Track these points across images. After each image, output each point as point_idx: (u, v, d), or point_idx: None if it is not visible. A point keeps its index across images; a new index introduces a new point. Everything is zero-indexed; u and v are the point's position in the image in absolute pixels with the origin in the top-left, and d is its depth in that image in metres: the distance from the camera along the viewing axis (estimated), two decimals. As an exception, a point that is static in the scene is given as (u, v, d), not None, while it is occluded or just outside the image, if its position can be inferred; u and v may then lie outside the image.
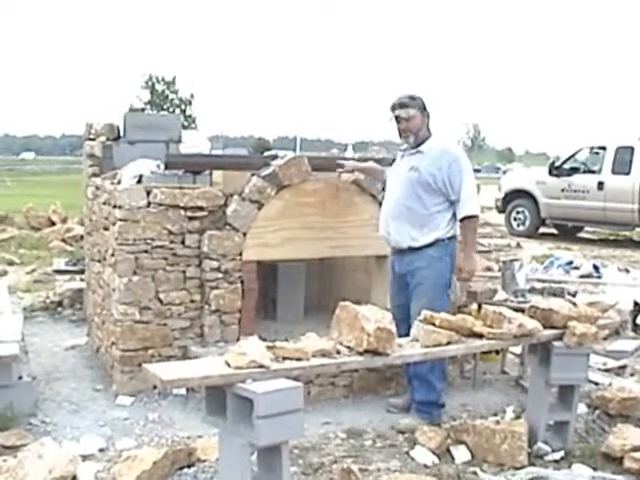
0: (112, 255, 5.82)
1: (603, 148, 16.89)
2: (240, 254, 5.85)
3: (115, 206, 5.73)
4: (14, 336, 5.44)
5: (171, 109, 56.98)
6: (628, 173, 16.10)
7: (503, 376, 6.50)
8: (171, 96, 60.44)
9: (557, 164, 17.65)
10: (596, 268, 11.40)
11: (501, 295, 6.54)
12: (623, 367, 6.65)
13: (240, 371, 3.52)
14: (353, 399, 5.76)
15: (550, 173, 17.51)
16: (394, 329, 4.03)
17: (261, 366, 3.56)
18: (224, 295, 5.81)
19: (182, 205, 5.74)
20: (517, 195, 18.23)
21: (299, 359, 3.76)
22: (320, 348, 3.89)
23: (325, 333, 4.21)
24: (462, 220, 5.24)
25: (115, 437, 4.94)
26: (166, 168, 6.17)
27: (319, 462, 4.54)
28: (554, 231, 18.28)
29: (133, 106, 54.70)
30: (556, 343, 4.68)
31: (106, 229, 6.17)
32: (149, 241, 5.67)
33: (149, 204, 5.67)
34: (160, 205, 5.69)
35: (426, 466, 4.58)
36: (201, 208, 5.81)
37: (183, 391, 5.56)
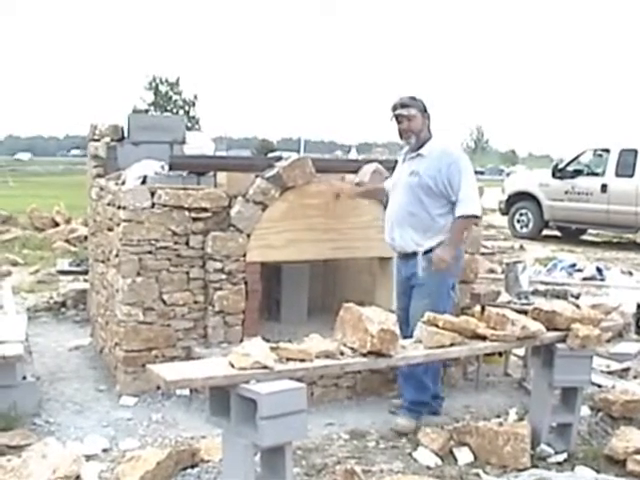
0: (116, 256, 5.83)
1: (607, 150, 16.87)
2: (244, 255, 5.86)
3: (119, 207, 5.74)
4: (18, 336, 5.46)
5: (175, 110, 57.03)
6: (632, 176, 16.08)
7: (506, 378, 6.50)
8: (175, 97, 60.52)
9: (560, 166, 17.64)
10: (599, 270, 11.40)
11: (504, 297, 6.55)
12: (626, 369, 6.65)
13: (244, 372, 3.53)
14: (356, 400, 5.77)
15: (553, 175, 17.50)
16: (397, 331, 4.04)
17: (265, 367, 3.57)
18: (228, 296, 5.82)
19: (186, 206, 5.75)
20: (520, 197, 18.21)
21: (303, 360, 3.77)
22: (324, 349, 3.90)
23: (329, 334, 4.22)
24: (457, 219, 5.17)
25: (119, 437, 4.95)
26: (170, 169, 6.18)
27: (322, 463, 4.55)
28: (557, 233, 18.25)
29: (137, 107, 54.83)
30: (559, 345, 4.69)
31: (110, 230, 6.18)
32: (153, 242, 5.68)
33: (153, 205, 5.68)
34: (164, 206, 5.70)
35: (429, 467, 4.59)
36: (205, 209, 5.81)
37: (186, 392, 5.57)
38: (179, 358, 5.68)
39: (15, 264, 11.60)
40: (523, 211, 18.11)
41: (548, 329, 4.65)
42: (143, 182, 5.99)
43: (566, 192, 17.12)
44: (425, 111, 5.29)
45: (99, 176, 7.36)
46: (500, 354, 6.44)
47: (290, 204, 5.98)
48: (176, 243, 5.76)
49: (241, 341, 5.46)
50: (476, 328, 4.47)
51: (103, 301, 6.55)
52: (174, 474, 4.29)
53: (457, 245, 5.26)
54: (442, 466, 4.62)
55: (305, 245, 6.06)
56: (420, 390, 5.28)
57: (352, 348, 4.02)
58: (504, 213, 18.83)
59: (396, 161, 5.75)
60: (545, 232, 18.07)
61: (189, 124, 47.43)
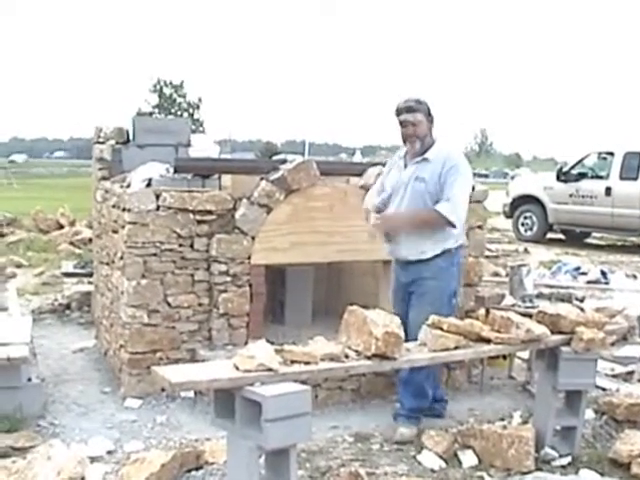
0: (121, 258, 5.84)
1: (611, 154, 16.86)
2: (248, 258, 5.87)
3: (124, 209, 5.75)
4: (23, 338, 5.46)
5: (179, 113, 57.12)
6: (636, 179, 16.06)
7: (510, 381, 6.50)
8: (179, 100, 60.62)
9: (565, 169, 17.63)
10: (604, 274, 11.38)
11: (509, 300, 6.55)
12: (631, 373, 6.64)
13: (249, 374, 3.53)
14: (361, 403, 5.77)
15: (558, 178, 17.49)
16: (402, 333, 4.04)
17: (269, 369, 3.57)
18: (232, 299, 5.83)
19: (191, 209, 5.76)
20: (525, 200, 18.21)
21: (307, 363, 3.78)
22: (328, 352, 3.90)
23: (333, 337, 4.23)
24: (434, 211, 4.99)
25: (123, 439, 4.96)
26: (175, 172, 6.19)
27: (326, 466, 4.55)
28: (562, 237, 18.24)
29: (141, 110, 54.90)
30: (564, 348, 4.69)
31: (115, 232, 6.19)
32: (158, 244, 5.69)
33: (158, 207, 5.69)
34: (169, 209, 5.71)
35: (433, 470, 4.60)
36: (210, 212, 5.82)
37: (191, 394, 5.57)
38: (184, 360, 5.68)
39: (20, 266, 11.62)
40: (527, 214, 18.10)
41: (552, 332, 4.64)
42: (148, 185, 6.00)
43: (570, 195, 17.11)
44: (430, 114, 5.15)
45: (104, 178, 7.38)
46: (504, 357, 6.44)
47: (295, 207, 5.99)
48: (181, 246, 5.77)
49: (246, 343, 5.46)
50: (480, 331, 4.47)
51: (108, 303, 6.57)
52: (179, 476, 4.30)
53: (411, 225, 5.10)
54: (446, 469, 4.62)
55: (309, 248, 6.07)
56: (420, 397, 5.25)
57: (357, 351, 4.02)
58: (508, 216, 18.83)
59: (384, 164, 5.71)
60: (549, 235, 18.06)
61: (193, 127, 47.47)
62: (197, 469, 4.43)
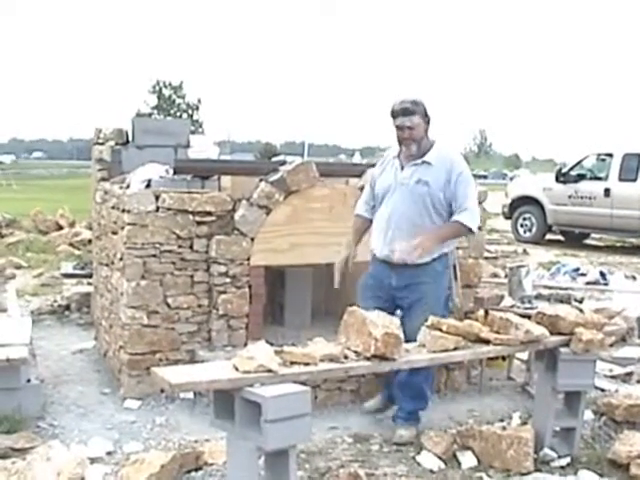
0: (120, 259, 5.85)
1: (610, 155, 16.86)
2: (248, 259, 5.88)
3: (124, 210, 5.76)
4: (23, 339, 5.47)
5: (178, 114, 57.14)
6: (635, 180, 16.07)
7: (509, 382, 6.50)
8: (178, 101, 60.63)
9: (564, 171, 17.63)
10: (603, 275, 11.40)
11: (508, 301, 6.55)
12: (629, 374, 6.65)
13: (248, 375, 3.54)
14: (360, 404, 5.76)
15: (557, 180, 17.49)
16: (402, 334, 4.05)
17: (269, 370, 3.58)
18: (232, 300, 5.84)
19: (190, 210, 5.77)
20: (524, 201, 18.21)
21: (307, 364, 3.78)
22: (328, 353, 3.91)
23: (332, 338, 4.23)
24: (455, 222, 4.97)
25: (123, 440, 4.96)
26: (175, 173, 6.20)
27: (326, 467, 4.56)
28: (561, 238, 18.25)
29: (140, 111, 54.90)
30: (563, 349, 4.69)
31: (115, 233, 6.20)
32: (157, 245, 5.69)
33: (158, 209, 5.70)
34: (169, 210, 5.71)
35: (432, 471, 4.60)
36: (209, 213, 5.83)
37: (190, 395, 5.57)
38: (183, 361, 5.68)
39: (19, 267, 11.61)
40: (526, 215, 18.11)
41: (551, 333, 4.65)
42: (147, 186, 6.01)
43: (569, 196, 17.11)
44: (426, 115, 5.01)
45: (103, 180, 7.39)
46: (503, 358, 6.44)
47: (294, 208, 5.99)
48: (180, 247, 5.78)
49: (245, 345, 5.47)
50: (480, 332, 4.48)
51: (107, 304, 6.57)
52: (178, 477, 4.30)
53: (441, 241, 4.99)
54: (445, 470, 4.62)
55: (309, 249, 6.08)
56: (419, 399, 5.23)
57: (356, 352, 4.03)
58: (507, 217, 18.84)
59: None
60: (548, 236, 18.07)
61: (193, 128, 47.48)
62: (196, 470, 4.44)
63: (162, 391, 5.51)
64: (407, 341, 4.28)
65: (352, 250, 5.37)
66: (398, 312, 5.02)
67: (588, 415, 5.30)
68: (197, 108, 60.69)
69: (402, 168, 5.08)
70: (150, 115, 53.13)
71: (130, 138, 7.53)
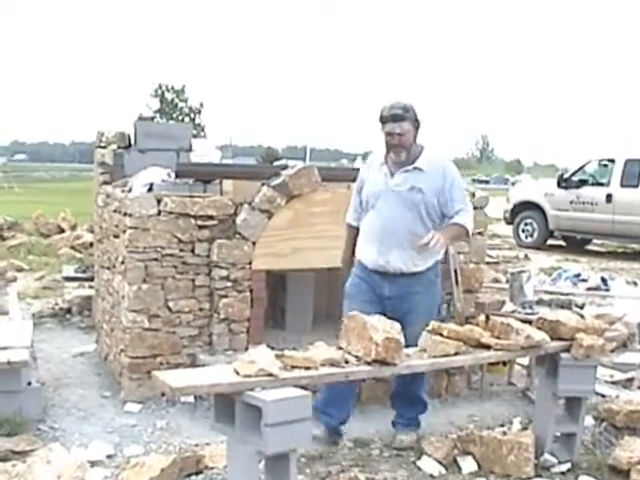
0: (122, 263, 5.85)
1: (612, 160, 16.86)
2: (249, 263, 5.88)
3: (125, 214, 5.77)
4: (24, 342, 5.48)
5: (180, 118, 57.11)
6: (637, 186, 16.06)
7: (510, 387, 6.50)
8: (180, 105, 60.59)
9: (566, 176, 17.63)
10: (604, 281, 11.38)
11: (509, 306, 6.56)
12: (630, 379, 6.65)
13: (249, 379, 3.54)
14: (360, 408, 5.75)
15: (558, 185, 17.48)
16: (402, 339, 4.05)
17: (270, 374, 3.58)
18: (233, 304, 5.84)
19: (192, 214, 5.78)
20: (525, 207, 18.20)
21: (308, 368, 3.79)
22: (329, 357, 3.91)
23: (333, 342, 4.23)
24: (456, 224, 4.87)
25: (123, 444, 4.97)
26: (177, 177, 6.21)
27: (326, 471, 4.56)
28: (562, 243, 18.24)
29: (143, 114, 54.89)
30: (563, 355, 4.70)
31: (116, 237, 6.21)
32: (159, 249, 5.70)
33: (159, 212, 5.71)
34: (170, 213, 5.72)
35: (433, 476, 4.61)
36: (211, 217, 5.84)
37: (191, 399, 5.58)
38: (184, 365, 5.69)
39: (20, 270, 11.62)
40: (528, 221, 18.10)
41: (552, 339, 4.65)
42: (149, 189, 6.02)
43: (571, 202, 17.11)
44: (416, 120, 4.83)
45: (105, 183, 7.41)
46: (504, 363, 6.44)
47: (296, 212, 6.00)
48: (182, 250, 5.79)
49: (246, 349, 5.48)
50: (480, 337, 4.48)
51: (108, 308, 6.58)
52: (178, 481, 4.31)
53: (451, 241, 5.03)
54: (446, 475, 4.63)
55: (310, 253, 6.08)
56: (416, 404, 5.20)
57: (357, 356, 4.03)
58: (509, 222, 18.84)
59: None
60: (550, 242, 18.06)
61: (195, 132, 47.53)
62: (197, 474, 4.45)
63: (163, 395, 5.52)
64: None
65: (349, 262, 5.27)
66: None
67: (589, 421, 5.30)
68: (199, 112, 60.64)
69: (392, 174, 4.89)
70: (152, 119, 53.08)
71: (132, 142, 7.54)
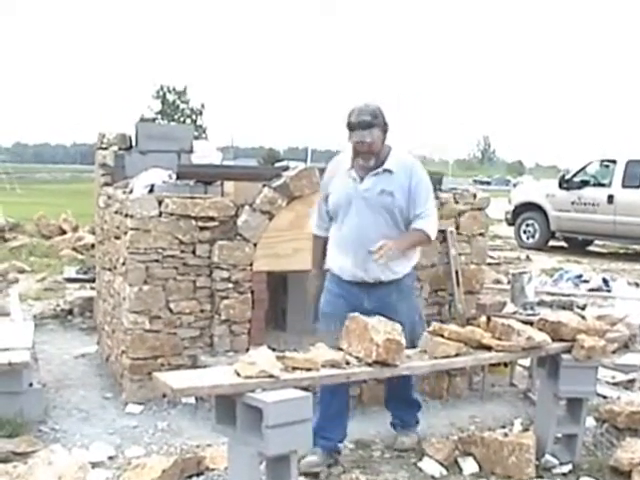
0: (123, 264, 5.86)
1: (613, 161, 16.84)
2: (250, 264, 5.88)
3: (127, 215, 5.77)
4: (25, 343, 5.49)
5: (182, 119, 57.16)
6: (638, 187, 16.03)
7: (511, 388, 6.50)
8: (182, 106, 60.65)
9: (567, 177, 17.61)
10: (606, 282, 11.38)
11: (510, 308, 6.54)
12: (632, 381, 6.64)
13: (250, 380, 3.54)
14: (362, 410, 5.75)
15: (560, 186, 17.47)
16: (403, 341, 4.04)
17: (271, 376, 3.58)
18: (234, 305, 5.84)
19: (193, 215, 5.78)
20: (527, 208, 18.19)
21: (309, 369, 3.78)
22: (329, 359, 3.91)
23: (334, 344, 4.22)
24: (417, 230, 4.64)
25: (124, 445, 4.97)
26: (178, 178, 6.21)
27: (327, 472, 4.56)
28: (564, 244, 18.22)
29: (144, 116, 54.95)
30: (565, 356, 4.69)
31: (117, 238, 6.21)
32: (160, 250, 5.70)
33: (160, 214, 5.71)
34: (171, 215, 5.72)
35: (434, 477, 4.61)
36: (212, 218, 5.84)
37: (192, 400, 5.57)
38: (185, 366, 5.69)
39: (22, 271, 11.64)
40: (529, 222, 18.08)
41: (553, 340, 4.65)
42: (150, 191, 6.02)
43: (573, 203, 17.09)
44: (385, 124, 4.61)
45: (107, 184, 7.42)
46: (505, 364, 6.44)
47: (297, 213, 5.99)
48: (183, 252, 5.79)
49: (247, 350, 5.47)
50: (482, 338, 4.48)
51: (110, 309, 6.58)
52: (179, 482, 4.31)
53: (404, 248, 4.61)
54: (447, 476, 4.63)
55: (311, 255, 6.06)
56: (412, 406, 5.17)
57: (358, 357, 4.03)
58: (510, 224, 18.82)
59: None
60: (551, 243, 18.04)
61: (196, 133, 47.52)
62: (198, 475, 4.45)
63: (164, 396, 5.52)
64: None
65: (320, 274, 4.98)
66: None
67: (590, 422, 5.29)
68: (201, 113, 60.71)
69: (361, 179, 4.65)
70: (154, 120, 53.11)
71: (133, 143, 7.56)
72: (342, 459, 4.77)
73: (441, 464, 4.72)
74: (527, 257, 15.65)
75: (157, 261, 5.71)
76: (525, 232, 18.18)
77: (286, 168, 6.49)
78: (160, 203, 5.73)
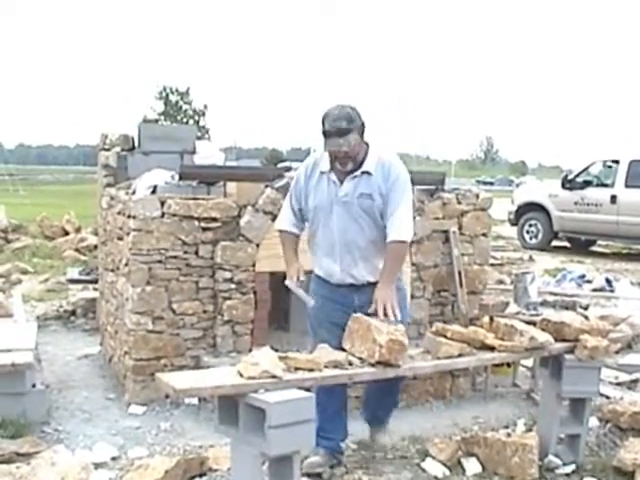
0: (126, 265, 5.86)
1: (616, 161, 16.81)
2: (253, 265, 5.88)
3: (129, 216, 5.77)
4: (28, 344, 5.50)
5: (185, 120, 57.17)
6: (641, 187, 16.04)
7: (514, 389, 6.49)
8: (185, 107, 60.66)
9: (570, 177, 17.59)
10: (609, 282, 11.37)
11: (513, 308, 6.55)
12: (635, 381, 6.63)
13: (252, 381, 3.54)
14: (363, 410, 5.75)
15: (563, 186, 17.44)
16: (406, 341, 4.04)
17: (273, 376, 3.57)
18: (237, 306, 5.84)
19: (196, 216, 5.78)
20: (530, 208, 18.17)
21: (311, 370, 3.78)
22: (332, 359, 3.91)
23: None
24: (391, 243, 4.43)
25: (127, 446, 4.97)
26: (180, 179, 6.21)
27: (330, 473, 4.56)
28: (567, 244, 18.21)
29: (147, 117, 54.98)
30: (567, 356, 4.68)
31: (120, 239, 6.21)
32: (163, 251, 5.71)
33: (163, 214, 5.71)
34: (174, 216, 5.73)
35: (437, 478, 4.60)
36: (215, 219, 5.84)
37: (195, 401, 5.58)
38: (188, 367, 5.69)
39: (25, 272, 11.66)
40: (532, 222, 18.06)
41: (556, 340, 4.64)
42: (153, 192, 6.03)
43: (576, 203, 17.07)
44: (362, 125, 4.40)
45: (109, 185, 7.41)
46: (508, 365, 6.43)
47: (299, 214, 5.98)
48: (186, 253, 5.79)
49: (250, 350, 5.47)
50: (484, 339, 4.47)
51: (112, 310, 6.58)
52: (182, 483, 4.31)
53: (395, 275, 4.50)
54: (450, 476, 4.62)
55: (314, 255, 6.07)
56: (394, 404, 5.07)
57: (360, 358, 4.02)
58: (513, 224, 18.80)
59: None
60: (554, 243, 18.03)
61: (199, 134, 47.46)
62: (201, 476, 4.45)
63: (167, 397, 5.53)
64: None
65: (297, 268, 4.72)
66: None
67: (593, 422, 5.28)
68: (203, 114, 60.69)
69: (341, 182, 4.49)
70: (157, 121, 53.14)
71: (136, 144, 7.55)
72: (345, 459, 4.77)
73: (444, 464, 4.72)
74: (530, 257, 15.63)
75: (160, 262, 5.71)
76: (528, 232, 18.17)
77: (289, 168, 6.49)
78: (163, 204, 5.73)
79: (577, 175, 17.51)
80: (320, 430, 4.42)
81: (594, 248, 18.27)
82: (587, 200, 16.88)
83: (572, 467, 4.73)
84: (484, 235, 6.80)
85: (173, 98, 60.71)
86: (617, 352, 7.25)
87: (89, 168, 58.32)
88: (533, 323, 4.90)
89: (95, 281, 8.64)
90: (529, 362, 6.51)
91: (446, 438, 5.03)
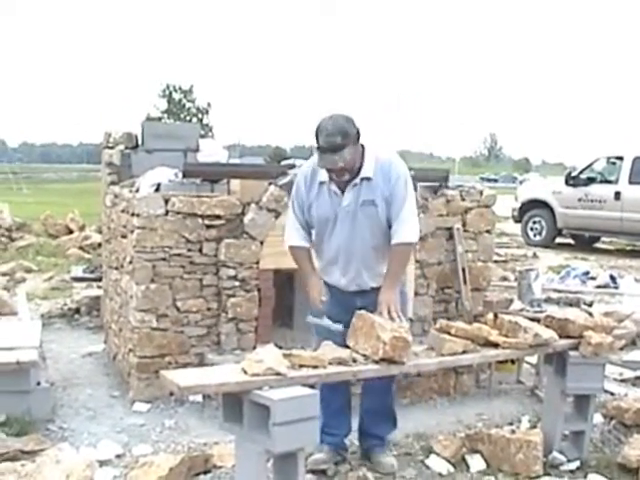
0: (130, 263, 5.86)
1: (620, 158, 16.79)
2: (257, 262, 5.89)
3: (133, 214, 5.77)
4: (33, 342, 5.51)
5: (188, 118, 57.11)
6: (645, 183, 16.01)
7: (519, 385, 6.49)
8: (188, 105, 60.61)
9: (574, 174, 17.56)
10: (613, 278, 11.37)
11: (517, 305, 6.55)
12: (639, 377, 6.63)
13: (257, 378, 3.54)
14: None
15: (567, 183, 17.43)
16: (410, 338, 4.04)
17: (278, 373, 3.58)
18: (241, 303, 5.85)
19: (200, 213, 5.79)
20: (534, 205, 18.15)
21: (315, 367, 3.78)
22: (336, 356, 3.91)
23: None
24: (397, 246, 4.38)
25: (132, 443, 4.98)
26: (184, 177, 6.21)
27: (335, 469, 4.56)
28: (571, 241, 18.19)
29: (150, 115, 54.94)
30: (572, 353, 4.68)
31: (124, 237, 6.22)
32: (167, 249, 5.71)
33: (167, 212, 5.71)
34: (178, 213, 5.73)
35: (441, 475, 4.60)
36: (218, 216, 5.84)
37: (199, 398, 5.58)
38: (192, 365, 5.70)
39: (29, 271, 11.66)
40: (536, 219, 18.04)
41: (561, 337, 4.64)
42: (157, 190, 6.02)
43: (579, 200, 17.05)
44: (357, 134, 4.25)
45: (113, 183, 7.42)
46: (512, 362, 6.43)
47: (303, 211, 5.98)
48: (189, 250, 5.79)
49: (254, 348, 5.47)
50: (489, 335, 4.47)
51: (117, 308, 6.59)
52: (187, 480, 4.31)
53: (399, 278, 4.48)
54: (454, 473, 4.63)
55: (318, 252, 6.07)
56: (393, 422, 4.89)
57: (364, 355, 4.02)
58: (517, 221, 18.79)
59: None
60: (558, 240, 18.01)
61: (202, 132, 47.44)
62: (205, 473, 4.45)
63: (171, 394, 5.53)
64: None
65: (318, 289, 4.53)
66: None
67: (597, 419, 5.28)
68: (207, 112, 60.59)
69: (342, 192, 4.40)
70: (160, 119, 53.09)
71: (140, 142, 7.56)
72: (349, 456, 4.77)
73: (448, 461, 4.72)
74: (534, 254, 15.63)
75: (164, 259, 5.71)
76: (532, 229, 18.15)
77: (292, 166, 6.49)
78: (167, 202, 5.74)
79: (581, 172, 17.49)
80: (324, 426, 4.42)
81: (598, 245, 18.25)
82: (591, 197, 16.86)
83: (576, 464, 4.73)
84: (488, 232, 6.80)
85: (176, 96, 60.64)
86: (621, 349, 7.24)
87: (93, 166, 58.28)
88: (537, 320, 4.89)
89: (99, 279, 8.66)
90: (533, 359, 6.51)
91: (450, 435, 5.03)
